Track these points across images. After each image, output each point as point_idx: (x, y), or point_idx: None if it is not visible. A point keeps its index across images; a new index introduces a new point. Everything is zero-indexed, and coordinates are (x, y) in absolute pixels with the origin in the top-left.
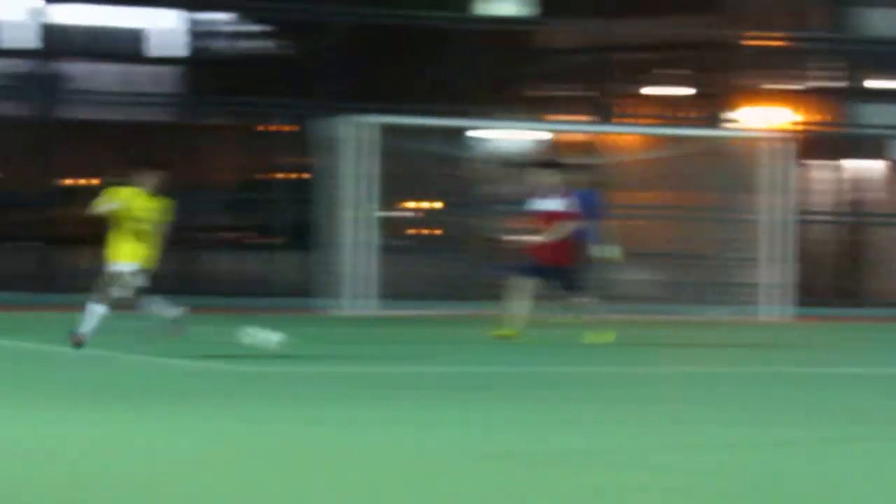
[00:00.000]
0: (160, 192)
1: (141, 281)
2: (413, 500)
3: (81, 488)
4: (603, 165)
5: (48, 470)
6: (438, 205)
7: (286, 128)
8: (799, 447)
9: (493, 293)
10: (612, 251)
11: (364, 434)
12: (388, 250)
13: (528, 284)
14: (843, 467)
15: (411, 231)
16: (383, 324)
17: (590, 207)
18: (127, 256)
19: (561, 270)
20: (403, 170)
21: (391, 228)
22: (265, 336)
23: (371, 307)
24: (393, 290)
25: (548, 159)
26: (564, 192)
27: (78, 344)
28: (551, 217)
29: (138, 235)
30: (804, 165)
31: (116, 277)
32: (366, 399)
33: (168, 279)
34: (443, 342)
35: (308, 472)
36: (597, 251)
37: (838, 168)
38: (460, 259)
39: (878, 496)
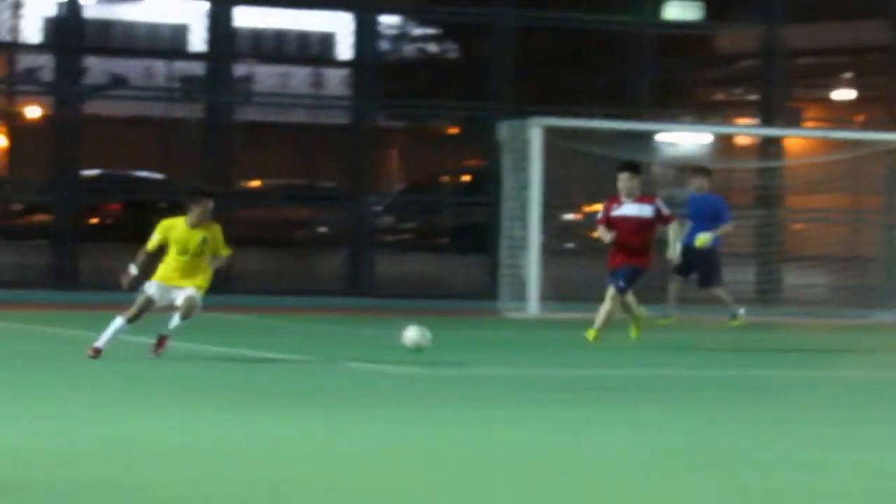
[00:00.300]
0: (206, 221)
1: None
2: (590, 495)
3: (311, 487)
4: (776, 169)
5: (284, 470)
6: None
7: (459, 130)
8: None
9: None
10: (702, 238)
11: (553, 435)
12: (559, 253)
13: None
14: None
15: (582, 233)
16: (557, 327)
17: (709, 211)
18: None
19: (631, 268)
20: (577, 172)
21: (564, 230)
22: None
23: (544, 309)
24: (564, 293)
25: (626, 161)
26: (642, 197)
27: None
28: (639, 225)
29: (185, 266)
30: None
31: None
32: (543, 402)
33: (340, 280)
34: (603, 348)
35: (506, 471)
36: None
37: None
38: None
39: None
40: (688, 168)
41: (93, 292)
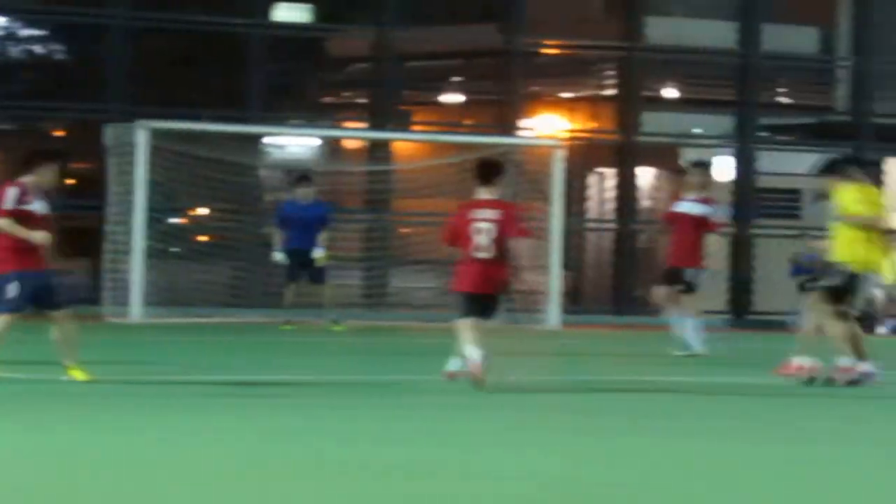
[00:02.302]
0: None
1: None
2: None
3: None
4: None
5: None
6: (220, 211)
7: (66, 133)
8: None
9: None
10: (318, 254)
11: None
12: (165, 257)
13: None
14: None
15: (197, 237)
16: (156, 330)
17: (315, 218)
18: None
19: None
20: (187, 176)
21: (169, 235)
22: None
23: (148, 314)
24: (168, 297)
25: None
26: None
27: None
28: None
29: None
30: (594, 173)
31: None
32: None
33: None
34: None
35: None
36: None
37: (623, 175)
38: (241, 266)
39: None
40: (293, 175)
41: None
